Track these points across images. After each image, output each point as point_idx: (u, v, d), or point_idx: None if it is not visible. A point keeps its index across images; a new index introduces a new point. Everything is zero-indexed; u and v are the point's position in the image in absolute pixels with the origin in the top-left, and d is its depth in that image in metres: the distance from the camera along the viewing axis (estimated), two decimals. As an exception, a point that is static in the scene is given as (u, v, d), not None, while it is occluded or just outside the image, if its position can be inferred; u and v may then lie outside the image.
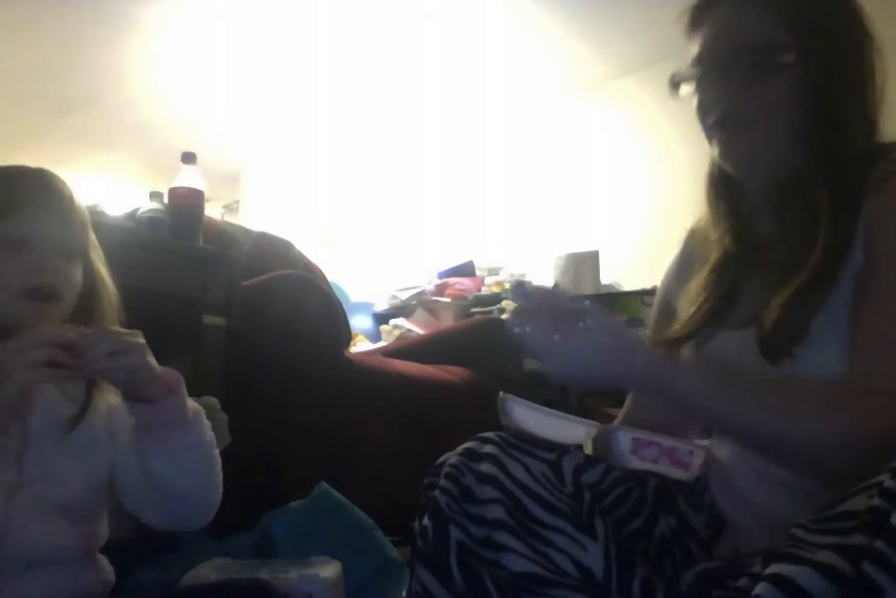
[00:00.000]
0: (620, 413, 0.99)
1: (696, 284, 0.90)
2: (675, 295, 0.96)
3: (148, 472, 0.81)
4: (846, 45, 0.80)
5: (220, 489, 0.89)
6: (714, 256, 0.89)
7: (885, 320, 0.70)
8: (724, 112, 0.82)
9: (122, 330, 0.78)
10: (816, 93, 0.78)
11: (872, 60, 0.81)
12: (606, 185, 3.67)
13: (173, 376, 0.80)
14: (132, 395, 0.78)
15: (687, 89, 0.86)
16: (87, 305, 0.88)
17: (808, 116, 0.79)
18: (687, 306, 0.90)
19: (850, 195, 0.75)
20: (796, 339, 0.73)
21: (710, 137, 0.85)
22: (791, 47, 0.78)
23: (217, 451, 0.88)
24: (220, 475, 0.89)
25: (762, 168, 0.83)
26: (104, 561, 0.87)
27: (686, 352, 0.88)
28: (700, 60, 0.83)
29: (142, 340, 0.76)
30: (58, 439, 0.81)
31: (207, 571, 1.12)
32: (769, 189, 0.84)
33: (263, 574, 1.08)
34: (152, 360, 0.77)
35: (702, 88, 0.84)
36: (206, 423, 0.87)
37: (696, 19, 0.85)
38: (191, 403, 0.85)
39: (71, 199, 0.89)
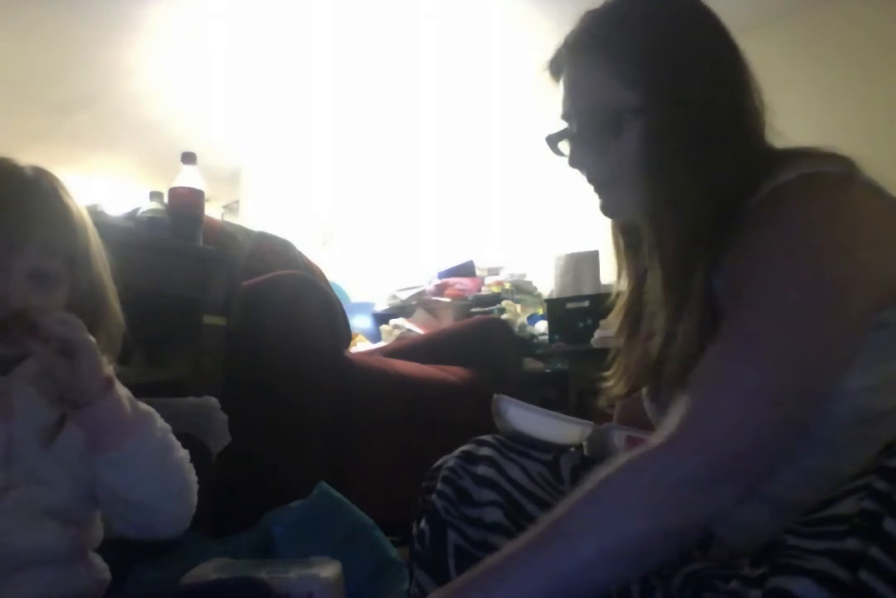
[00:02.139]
0: (615, 413, 0.99)
1: (616, 331, 0.88)
2: None
3: (98, 481, 0.79)
4: (698, 92, 0.73)
5: (188, 495, 0.85)
6: (622, 301, 0.88)
7: (714, 359, 0.64)
8: (588, 176, 0.82)
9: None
10: (665, 145, 0.73)
11: (745, 94, 0.76)
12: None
13: (105, 379, 0.77)
14: (67, 393, 0.76)
15: (565, 146, 0.84)
16: (87, 321, 0.80)
17: (654, 168, 0.74)
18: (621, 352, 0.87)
19: (685, 242, 0.71)
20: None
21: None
22: (633, 105, 0.74)
23: (179, 455, 0.84)
24: (186, 481, 0.84)
25: (635, 218, 0.79)
26: (98, 560, 0.86)
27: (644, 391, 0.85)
28: (563, 117, 0.83)
29: (93, 339, 0.76)
30: (42, 444, 0.79)
31: (207, 571, 1.12)
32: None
33: (263, 574, 1.08)
34: (98, 355, 0.76)
35: (569, 149, 0.83)
36: (161, 427, 0.83)
37: (554, 74, 0.84)
38: (143, 406, 0.82)
39: (54, 209, 0.81)
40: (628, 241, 0.87)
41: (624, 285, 0.89)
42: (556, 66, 0.82)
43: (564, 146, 0.84)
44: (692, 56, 0.75)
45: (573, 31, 0.81)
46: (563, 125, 0.84)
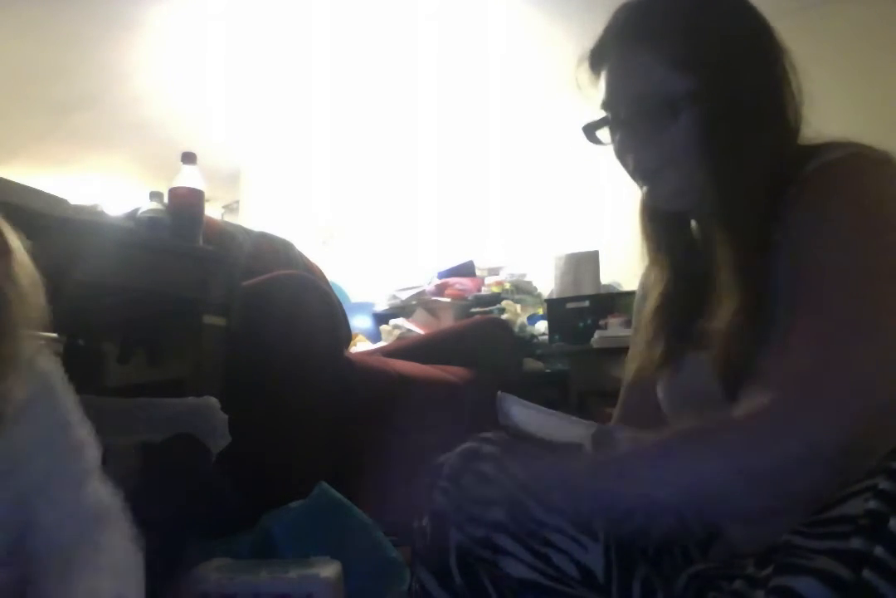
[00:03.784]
0: (615, 412, 0.98)
1: (645, 325, 0.87)
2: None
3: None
4: (748, 72, 0.75)
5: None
6: (655, 295, 0.86)
7: (808, 327, 0.64)
8: (635, 163, 0.81)
9: None
10: (722, 127, 0.74)
11: (784, 78, 0.77)
12: (606, 185, 3.68)
13: None
14: None
15: (604, 135, 0.83)
16: None
17: (716, 150, 0.75)
18: (645, 343, 0.86)
19: (759, 219, 0.72)
20: (749, 368, 0.69)
21: (634, 181, 0.83)
22: (687, 90, 0.74)
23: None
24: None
25: (687, 205, 0.81)
26: None
27: (661, 381, 0.85)
28: (606, 106, 0.82)
29: None
30: None
31: (207, 571, 1.12)
32: (700, 218, 0.82)
33: (263, 574, 1.08)
34: None
35: (613, 138, 0.82)
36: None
37: (595, 64, 0.82)
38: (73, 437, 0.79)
39: None
40: (659, 228, 0.86)
41: (653, 277, 0.88)
42: (598, 58, 0.81)
43: (603, 135, 0.83)
44: (741, 38, 0.76)
45: (616, 21, 0.80)
46: (601, 115, 0.83)
